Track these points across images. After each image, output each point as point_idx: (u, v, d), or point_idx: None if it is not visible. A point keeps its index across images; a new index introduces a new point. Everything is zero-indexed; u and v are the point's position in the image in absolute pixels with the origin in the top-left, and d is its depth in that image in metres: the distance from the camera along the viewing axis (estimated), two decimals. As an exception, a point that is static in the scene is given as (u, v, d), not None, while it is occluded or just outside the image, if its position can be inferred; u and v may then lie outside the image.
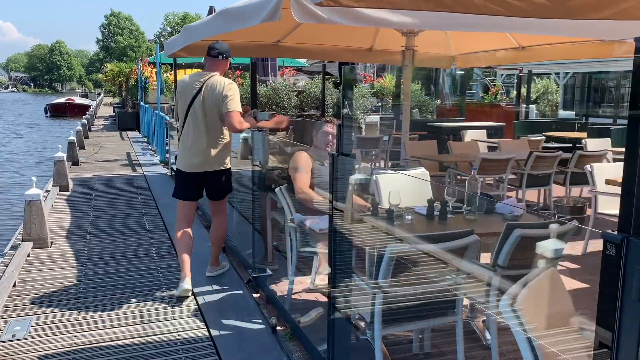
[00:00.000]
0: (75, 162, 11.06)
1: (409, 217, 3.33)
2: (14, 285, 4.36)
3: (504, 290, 2.86)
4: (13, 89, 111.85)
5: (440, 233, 2.70)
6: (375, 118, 14.07)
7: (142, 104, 18.55)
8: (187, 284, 4.15)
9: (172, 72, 15.40)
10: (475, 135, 10.41)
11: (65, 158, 8.43)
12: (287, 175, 4.28)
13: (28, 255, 5.13)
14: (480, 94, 16.47)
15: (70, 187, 8.45)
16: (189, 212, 4.45)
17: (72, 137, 11.10)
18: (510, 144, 8.48)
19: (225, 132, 4.27)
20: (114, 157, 12.76)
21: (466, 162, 7.29)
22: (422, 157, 7.23)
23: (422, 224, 3.37)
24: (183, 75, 19.12)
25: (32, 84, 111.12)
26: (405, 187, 4.62)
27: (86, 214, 6.88)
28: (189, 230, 4.38)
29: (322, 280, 4.58)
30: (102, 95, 54.45)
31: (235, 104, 4.07)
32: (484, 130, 10.80)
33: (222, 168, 4.32)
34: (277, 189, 3.92)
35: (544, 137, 9.40)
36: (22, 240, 5.40)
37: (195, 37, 7.20)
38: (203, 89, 4.14)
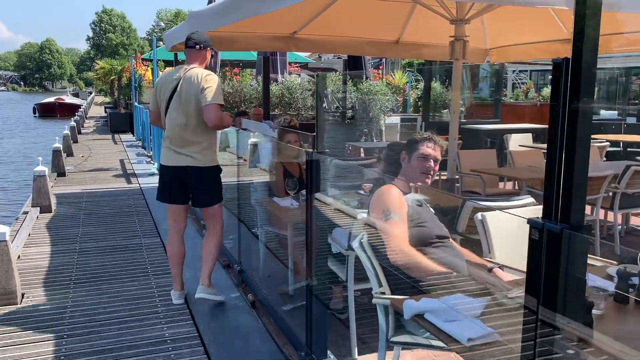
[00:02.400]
0: (62, 173, 9.64)
1: (601, 305, 1.98)
2: (-41, 380, 2.99)
3: None
4: (2, 88, 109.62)
5: None
6: (395, 119, 12.73)
7: (135, 104, 17.11)
8: (176, 297, 4.08)
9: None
10: (521, 140, 9.10)
11: (47, 172, 7.03)
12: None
13: (-12, 320, 3.75)
14: (504, 92, 15.14)
15: (54, 207, 7.05)
16: (178, 217, 4.09)
17: (58, 144, 9.68)
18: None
19: (211, 129, 3.92)
20: (106, 164, 11.35)
21: (539, 179, 5.97)
22: (485, 172, 5.89)
23: (615, 317, 2.02)
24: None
25: (22, 83, 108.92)
26: (515, 232, 3.29)
27: (71, 246, 5.49)
28: (178, 240, 4.09)
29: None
30: (93, 94, 52.76)
31: (214, 96, 3.76)
32: (529, 133, 9.49)
33: (203, 166, 3.90)
34: (355, 243, 2.56)
35: (608, 143, 8.10)
36: (-18, 296, 4.02)
37: (204, 26, 5.85)
38: (181, 82, 3.87)
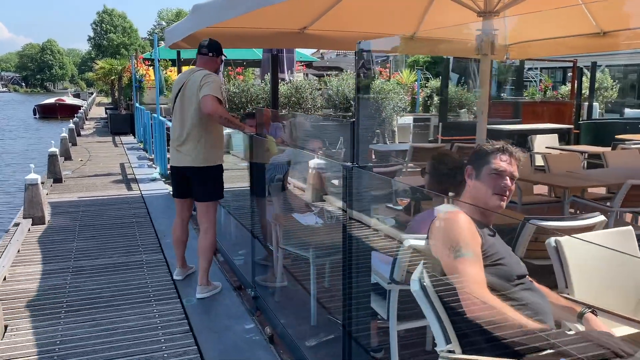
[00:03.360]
0: (58, 179, 9.09)
1: None
2: None
3: None
4: (4, 89, 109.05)
5: None
6: (407, 119, 12.17)
7: (137, 105, 16.57)
8: (176, 275, 4.50)
9: (176, 68, 13.48)
10: (547, 141, 8.55)
11: (39, 180, 6.47)
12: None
13: (-38, 361, 3.21)
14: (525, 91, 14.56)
15: (47, 218, 6.49)
16: (182, 211, 4.38)
17: (54, 149, 9.12)
18: (619, 155, 6.56)
19: (209, 127, 4.02)
20: (106, 169, 10.80)
21: (579, 186, 5.40)
22: (523, 179, 5.31)
23: None
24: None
25: (23, 84, 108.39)
26: (602, 261, 2.71)
27: (64, 265, 4.94)
28: (181, 226, 4.39)
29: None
30: (94, 94, 52.24)
31: (211, 89, 3.85)
32: (555, 134, 8.93)
33: (204, 165, 4.05)
34: (414, 282, 2.00)
35: (645, 144, 7.52)
36: (-43, 331, 3.48)
37: (209, 19, 5.32)
38: (186, 82, 4.05)
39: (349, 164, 2.28)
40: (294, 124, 4.54)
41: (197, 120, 3.97)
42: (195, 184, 4.10)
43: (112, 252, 5.31)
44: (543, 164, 6.91)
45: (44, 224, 6.34)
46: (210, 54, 4.10)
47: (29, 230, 6.05)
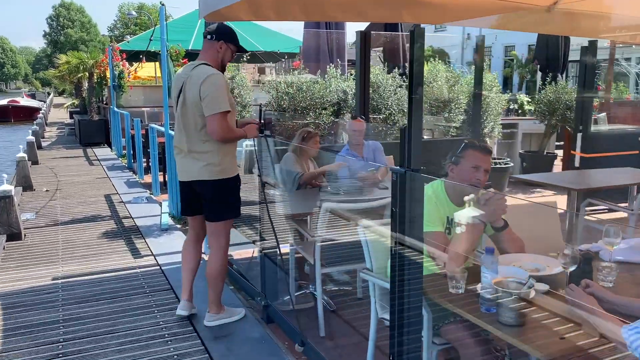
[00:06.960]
0: (15, 235, 5.71)
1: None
2: None
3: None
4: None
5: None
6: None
7: (114, 108, 13.09)
8: (180, 309, 3.72)
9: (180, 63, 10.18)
10: None
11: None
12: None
13: None
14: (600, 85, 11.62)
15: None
16: (195, 225, 3.75)
17: (7, 186, 5.73)
18: None
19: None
20: (86, 206, 7.43)
21: None
22: None
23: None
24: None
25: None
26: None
27: None
28: (192, 247, 3.78)
29: None
30: (52, 95, 47.59)
31: (216, 104, 3.26)
32: None
33: (212, 179, 3.44)
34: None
35: None
36: None
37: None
38: (185, 83, 3.41)
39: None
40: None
41: (205, 131, 3.36)
42: (205, 199, 3.52)
43: None
44: None
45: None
46: (209, 37, 3.46)
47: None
